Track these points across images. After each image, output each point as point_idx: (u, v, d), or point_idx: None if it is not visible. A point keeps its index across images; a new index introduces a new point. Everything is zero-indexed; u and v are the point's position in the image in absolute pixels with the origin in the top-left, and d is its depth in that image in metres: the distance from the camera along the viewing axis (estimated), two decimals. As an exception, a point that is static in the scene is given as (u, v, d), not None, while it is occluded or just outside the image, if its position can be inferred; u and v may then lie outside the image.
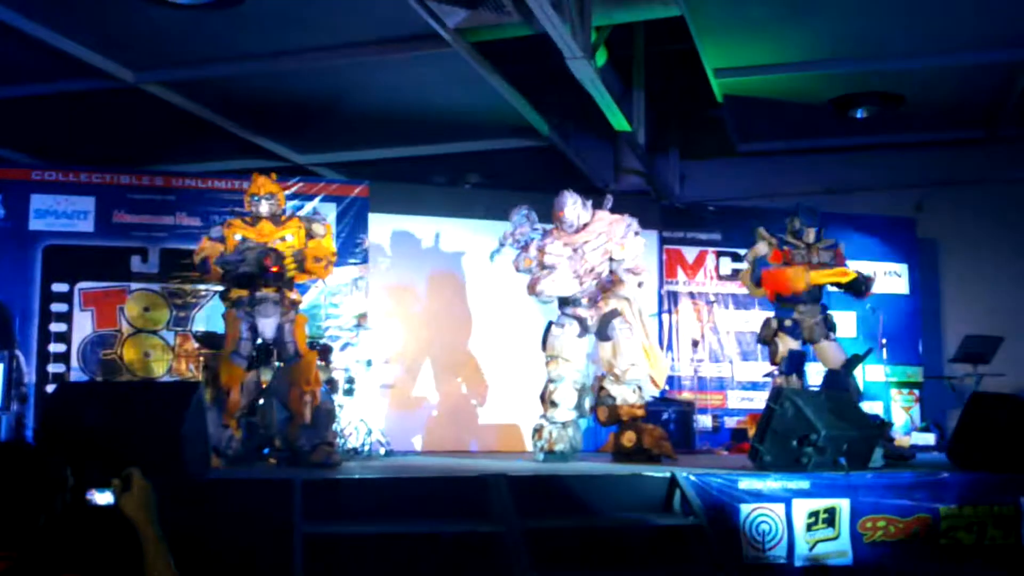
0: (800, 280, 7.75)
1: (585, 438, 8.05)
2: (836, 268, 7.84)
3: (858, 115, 10.23)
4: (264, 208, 7.02)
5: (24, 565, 2.27)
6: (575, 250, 7.62)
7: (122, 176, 9.23)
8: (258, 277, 6.85)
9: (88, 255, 8.99)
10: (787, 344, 7.77)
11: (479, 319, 9.88)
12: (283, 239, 6.94)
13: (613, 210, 7.81)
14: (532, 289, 7.71)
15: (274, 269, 6.78)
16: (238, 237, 6.98)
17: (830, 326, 7.87)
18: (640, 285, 7.73)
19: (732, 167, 11.92)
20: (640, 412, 7.55)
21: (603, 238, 7.63)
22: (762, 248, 8.00)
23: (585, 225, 7.69)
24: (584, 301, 7.64)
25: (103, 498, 2.45)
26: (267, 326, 6.83)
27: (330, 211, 9.32)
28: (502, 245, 7.87)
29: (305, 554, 4.85)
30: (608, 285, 7.69)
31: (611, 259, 7.66)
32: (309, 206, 9.21)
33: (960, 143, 11.18)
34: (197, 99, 9.51)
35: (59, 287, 8.89)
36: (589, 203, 7.79)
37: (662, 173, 11.37)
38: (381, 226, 9.72)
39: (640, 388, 7.64)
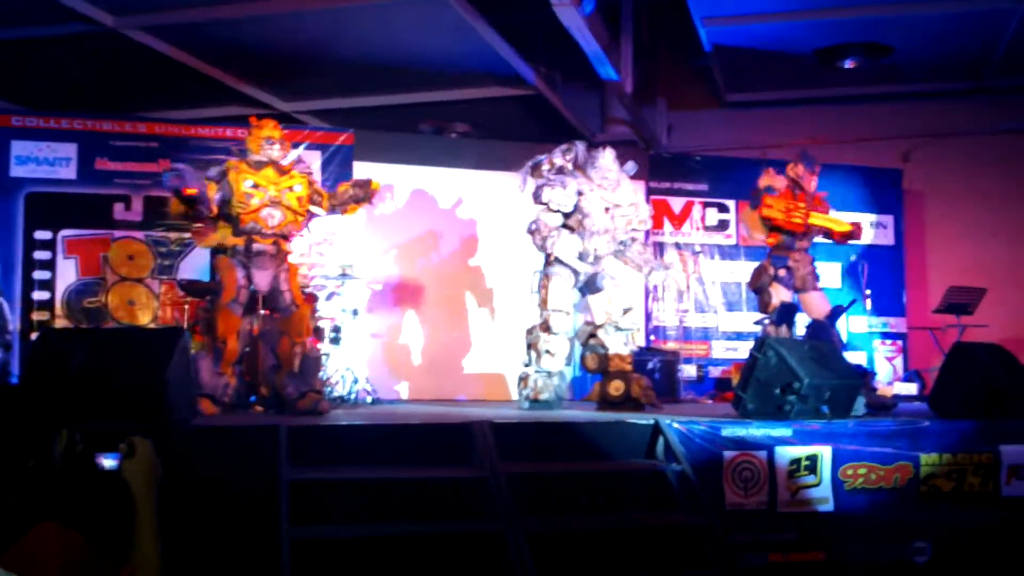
0: (799, 215, 7.65)
1: (570, 387, 8.07)
2: (834, 216, 7.80)
3: (846, 65, 10.21)
4: (276, 153, 6.89)
5: (19, 505, 2.27)
6: (607, 209, 7.55)
7: (104, 122, 9.11)
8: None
9: (71, 202, 8.90)
10: (780, 294, 7.75)
11: (466, 268, 9.88)
12: (291, 189, 6.82)
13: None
14: (545, 244, 7.55)
15: (185, 192, 6.56)
16: (248, 183, 6.73)
17: (816, 276, 7.90)
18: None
19: (719, 117, 11.90)
20: (629, 364, 7.56)
21: (632, 209, 7.59)
22: (777, 182, 7.81)
23: (618, 186, 7.63)
24: (591, 257, 7.59)
25: (109, 462, 2.44)
26: (262, 277, 6.76)
27: (315, 159, 9.25)
28: (534, 166, 7.63)
29: (291, 500, 4.87)
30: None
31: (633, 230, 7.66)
32: (294, 154, 9.10)
33: (947, 94, 11.18)
34: (179, 44, 9.40)
35: (42, 235, 8.81)
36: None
37: (649, 123, 11.33)
38: (366, 175, 9.63)
39: (634, 338, 7.67)
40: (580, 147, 7.70)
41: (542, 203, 7.46)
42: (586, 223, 7.47)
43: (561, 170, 7.53)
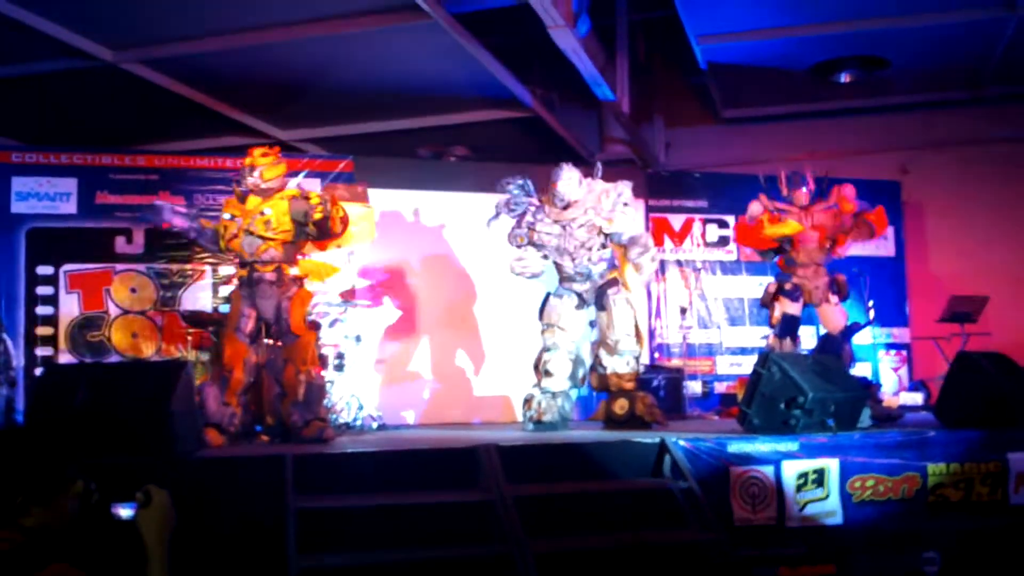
0: (758, 230, 7.87)
1: (577, 407, 8.07)
2: (788, 223, 7.84)
3: (842, 79, 10.24)
4: (251, 181, 6.89)
5: (29, 546, 2.28)
6: (563, 227, 7.56)
7: (104, 156, 9.15)
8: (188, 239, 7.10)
9: (72, 237, 8.92)
10: (784, 307, 7.76)
11: (468, 292, 9.88)
12: (262, 213, 6.79)
13: (605, 179, 7.75)
14: (511, 270, 7.71)
15: (163, 226, 6.95)
16: (227, 215, 6.88)
17: (838, 289, 7.87)
18: (646, 253, 7.65)
19: (717, 134, 11.93)
20: (629, 385, 7.54)
21: (591, 213, 7.53)
22: (756, 209, 7.94)
23: (576, 201, 7.60)
24: (579, 277, 7.60)
25: (126, 512, 2.44)
26: (265, 306, 6.78)
27: (315, 187, 9.26)
28: (498, 213, 7.77)
29: (298, 528, 4.87)
30: (615, 263, 7.66)
31: (602, 233, 7.57)
32: (293, 182, 9.13)
33: (944, 105, 11.21)
34: (177, 77, 9.44)
35: (44, 270, 8.83)
36: (586, 181, 7.57)
37: (647, 141, 11.36)
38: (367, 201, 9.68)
39: (636, 359, 7.64)
40: (519, 179, 7.69)
41: (514, 245, 7.68)
42: (547, 250, 7.56)
43: (517, 205, 7.66)
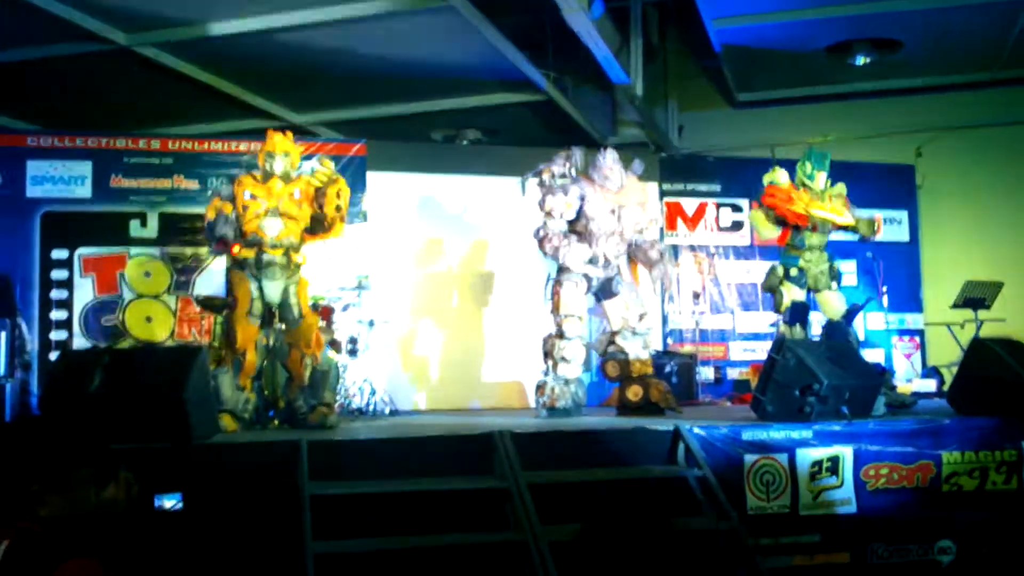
0: (801, 204, 7.58)
1: (588, 393, 8.07)
2: (847, 212, 7.73)
3: (856, 62, 10.16)
4: (278, 166, 6.91)
5: (43, 538, 2.22)
6: (612, 211, 7.57)
7: (118, 140, 9.15)
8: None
9: (87, 221, 8.93)
10: (792, 294, 7.70)
11: (481, 275, 9.87)
12: (292, 195, 6.83)
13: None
14: (556, 254, 7.57)
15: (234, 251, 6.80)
16: (247, 195, 6.82)
17: (834, 275, 7.82)
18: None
19: (731, 117, 11.87)
20: (650, 368, 7.57)
21: (639, 209, 7.62)
22: (780, 177, 7.77)
23: (624, 186, 7.64)
24: (604, 261, 7.60)
25: (169, 503, 2.42)
26: (273, 289, 6.77)
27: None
28: (534, 175, 7.71)
29: (313, 515, 4.89)
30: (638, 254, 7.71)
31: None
32: (307, 166, 9.13)
33: (959, 87, 11.11)
34: (191, 60, 9.44)
35: (59, 253, 8.84)
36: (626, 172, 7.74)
37: (661, 125, 11.30)
38: (380, 185, 9.67)
39: (648, 343, 7.68)
40: (578, 152, 7.76)
41: (544, 211, 7.55)
42: (591, 227, 7.51)
43: (563, 177, 7.58)
